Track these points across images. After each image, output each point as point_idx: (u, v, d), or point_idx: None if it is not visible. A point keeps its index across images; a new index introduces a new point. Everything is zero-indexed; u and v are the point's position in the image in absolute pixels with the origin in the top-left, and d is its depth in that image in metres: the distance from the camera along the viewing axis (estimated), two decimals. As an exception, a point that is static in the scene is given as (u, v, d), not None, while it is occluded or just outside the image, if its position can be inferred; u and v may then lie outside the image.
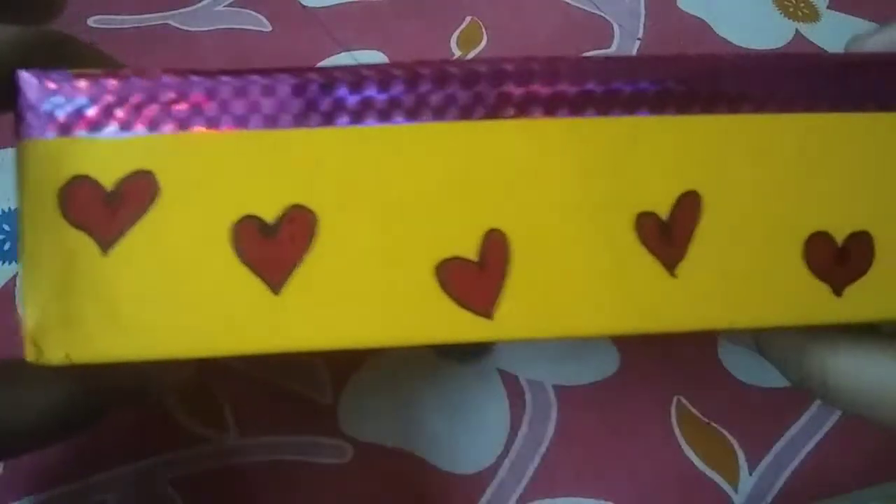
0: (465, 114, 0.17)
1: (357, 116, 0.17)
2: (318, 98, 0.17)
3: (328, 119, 0.17)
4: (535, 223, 0.17)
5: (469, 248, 0.17)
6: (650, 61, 0.18)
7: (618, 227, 0.18)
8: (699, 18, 0.41)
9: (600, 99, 0.17)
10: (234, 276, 0.17)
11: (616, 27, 0.40)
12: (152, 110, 0.17)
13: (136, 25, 0.38)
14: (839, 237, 0.18)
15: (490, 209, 0.17)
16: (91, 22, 0.38)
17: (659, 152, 0.18)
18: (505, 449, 0.27)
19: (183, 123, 0.17)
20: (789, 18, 0.42)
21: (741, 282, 0.18)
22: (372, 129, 0.17)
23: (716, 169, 0.18)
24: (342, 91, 0.17)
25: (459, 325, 0.17)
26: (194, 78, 0.17)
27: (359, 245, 0.17)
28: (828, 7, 0.43)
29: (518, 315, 0.17)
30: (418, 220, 0.17)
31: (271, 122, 0.17)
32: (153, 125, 0.17)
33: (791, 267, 0.18)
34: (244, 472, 0.26)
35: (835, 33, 0.42)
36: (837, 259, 0.18)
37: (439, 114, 0.17)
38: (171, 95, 0.17)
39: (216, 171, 0.17)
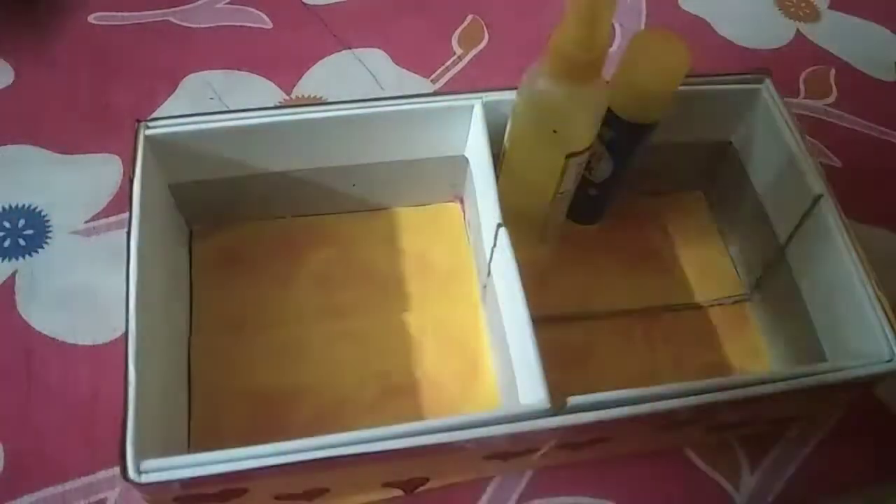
0: None
1: None
2: None
3: None
4: None
5: None
6: None
7: None
8: (700, 17, 0.41)
9: None
10: None
11: (617, 26, 0.40)
12: None
13: (136, 21, 0.38)
14: None
15: None
16: (92, 19, 0.38)
17: None
18: (506, 448, 0.27)
19: None
20: (790, 18, 0.42)
21: None
22: None
23: None
24: None
25: None
26: None
27: None
28: (828, 7, 0.43)
29: None
30: None
31: None
32: None
33: None
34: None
35: (835, 33, 0.42)
36: None
37: None
38: None
39: None
